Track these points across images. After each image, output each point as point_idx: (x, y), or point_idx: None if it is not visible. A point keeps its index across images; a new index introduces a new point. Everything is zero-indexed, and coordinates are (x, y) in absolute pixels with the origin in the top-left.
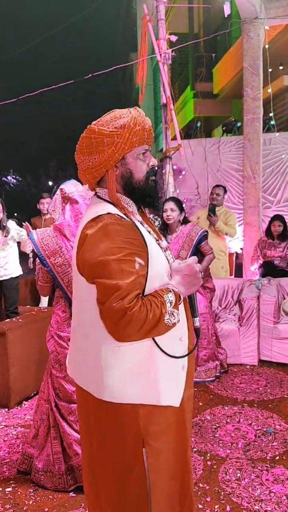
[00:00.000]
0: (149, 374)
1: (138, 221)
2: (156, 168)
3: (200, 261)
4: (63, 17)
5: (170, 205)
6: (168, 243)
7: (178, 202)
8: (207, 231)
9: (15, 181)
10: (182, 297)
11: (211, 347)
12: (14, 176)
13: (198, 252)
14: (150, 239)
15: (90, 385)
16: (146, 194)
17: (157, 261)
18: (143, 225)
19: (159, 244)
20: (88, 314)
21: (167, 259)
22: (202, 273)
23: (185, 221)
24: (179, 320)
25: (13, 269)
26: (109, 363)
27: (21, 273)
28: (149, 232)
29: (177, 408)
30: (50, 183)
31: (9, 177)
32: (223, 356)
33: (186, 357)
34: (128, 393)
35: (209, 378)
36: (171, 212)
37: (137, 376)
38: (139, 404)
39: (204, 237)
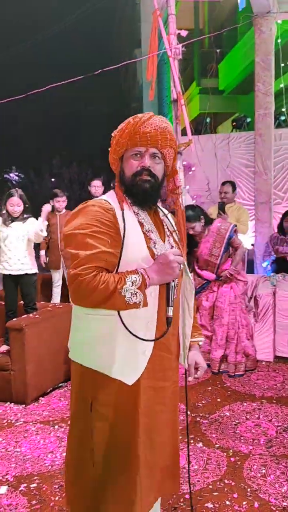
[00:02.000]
0: (107, 346)
1: (134, 212)
2: (147, 169)
3: (231, 256)
4: (66, 13)
5: (191, 225)
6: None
7: (197, 217)
8: (235, 225)
9: (17, 178)
10: (149, 282)
11: (237, 338)
12: (16, 173)
13: (229, 246)
14: (132, 227)
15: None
16: (133, 192)
17: (132, 248)
18: (138, 216)
19: (148, 236)
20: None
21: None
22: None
23: (208, 220)
24: (143, 303)
25: (31, 266)
26: (76, 326)
27: (37, 270)
28: (142, 225)
29: (131, 388)
30: (53, 180)
31: (11, 174)
32: (252, 352)
33: (151, 344)
34: (86, 357)
35: (238, 372)
36: (192, 230)
37: (97, 345)
38: (93, 369)
39: (234, 231)
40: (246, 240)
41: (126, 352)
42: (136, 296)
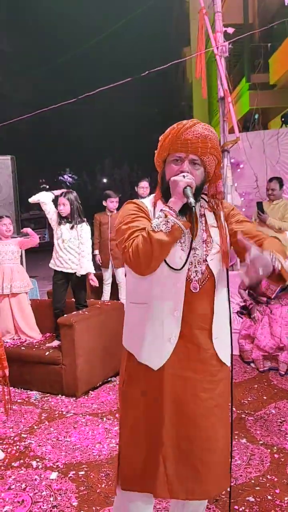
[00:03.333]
0: (138, 331)
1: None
2: (186, 173)
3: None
4: (117, 16)
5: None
6: None
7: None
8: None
9: (71, 179)
10: (170, 206)
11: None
12: (70, 175)
13: None
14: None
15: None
16: (169, 193)
17: None
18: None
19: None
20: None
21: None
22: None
23: None
24: (183, 225)
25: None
26: (126, 314)
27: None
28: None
29: (156, 374)
30: (105, 180)
31: (65, 176)
32: None
33: (176, 333)
34: (125, 340)
35: (282, 371)
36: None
37: (131, 330)
38: (129, 351)
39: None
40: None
41: (154, 338)
42: (168, 222)
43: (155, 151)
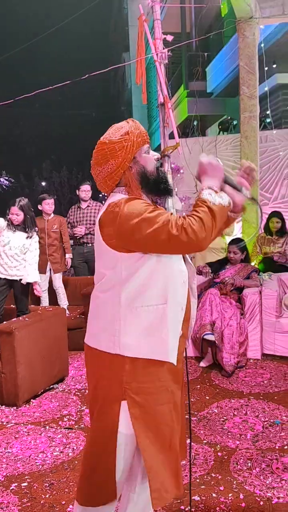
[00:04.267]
0: (160, 333)
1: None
2: (159, 159)
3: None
4: (54, 19)
5: (233, 248)
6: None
7: (242, 247)
8: (258, 269)
9: (7, 182)
10: (213, 184)
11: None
12: (7, 178)
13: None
14: None
15: (103, 343)
16: (160, 181)
17: None
18: None
19: None
20: (111, 281)
21: None
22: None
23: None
24: (229, 201)
25: (27, 273)
26: (127, 322)
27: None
28: None
29: (175, 369)
30: (44, 183)
31: (1, 179)
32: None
33: (180, 327)
34: (138, 349)
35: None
36: (234, 254)
37: (149, 335)
38: (144, 359)
39: (255, 271)
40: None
41: (174, 335)
42: (222, 197)
43: (110, 162)
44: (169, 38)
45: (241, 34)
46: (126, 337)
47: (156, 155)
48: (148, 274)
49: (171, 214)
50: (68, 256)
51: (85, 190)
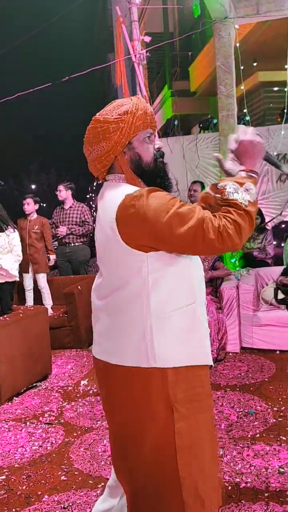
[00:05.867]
0: (195, 336)
1: None
2: (162, 150)
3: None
4: (39, 19)
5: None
6: None
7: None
8: (219, 257)
9: None
10: (253, 170)
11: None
12: None
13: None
14: None
15: (130, 358)
16: (157, 175)
17: None
18: None
19: None
20: (134, 289)
21: None
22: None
23: None
24: (254, 196)
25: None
26: (159, 332)
27: (17, 279)
28: None
29: (205, 377)
30: (33, 186)
31: None
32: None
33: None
34: (178, 357)
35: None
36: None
37: (185, 339)
38: (183, 367)
39: (217, 260)
40: None
41: (206, 335)
42: (249, 192)
43: (105, 143)
44: (147, 39)
45: (217, 34)
46: (160, 347)
47: (160, 144)
48: (177, 274)
49: (202, 209)
50: (52, 257)
51: (59, 190)
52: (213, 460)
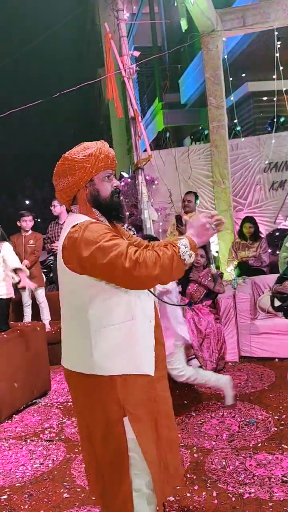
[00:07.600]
0: (129, 349)
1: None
2: (119, 188)
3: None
4: (27, 38)
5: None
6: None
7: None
8: (221, 273)
9: None
10: (195, 244)
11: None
12: None
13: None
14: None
15: (79, 365)
16: (112, 209)
17: None
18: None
19: None
20: (76, 303)
21: None
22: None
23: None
24: (190, 263)
25: (5, 291)
26: (97, 342)
27: (13, 295)
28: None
29: (152, 379)
30: (27, 202)
31: None
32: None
33: (152, 337)
34: (115, 366)
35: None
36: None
37: (121, 351)
38: (117, 376)
39: (220, 275)
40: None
41: (145, 348)
42: (191, 256)
43: (68, 178)
44: (136, 54)
45: (205, 47)
46: (99, 357)
47: (117, 183)
48: (112, 294)
49: (129, 245)
50: (25, 262)
51: (54, 205)
52: (161, 459)
